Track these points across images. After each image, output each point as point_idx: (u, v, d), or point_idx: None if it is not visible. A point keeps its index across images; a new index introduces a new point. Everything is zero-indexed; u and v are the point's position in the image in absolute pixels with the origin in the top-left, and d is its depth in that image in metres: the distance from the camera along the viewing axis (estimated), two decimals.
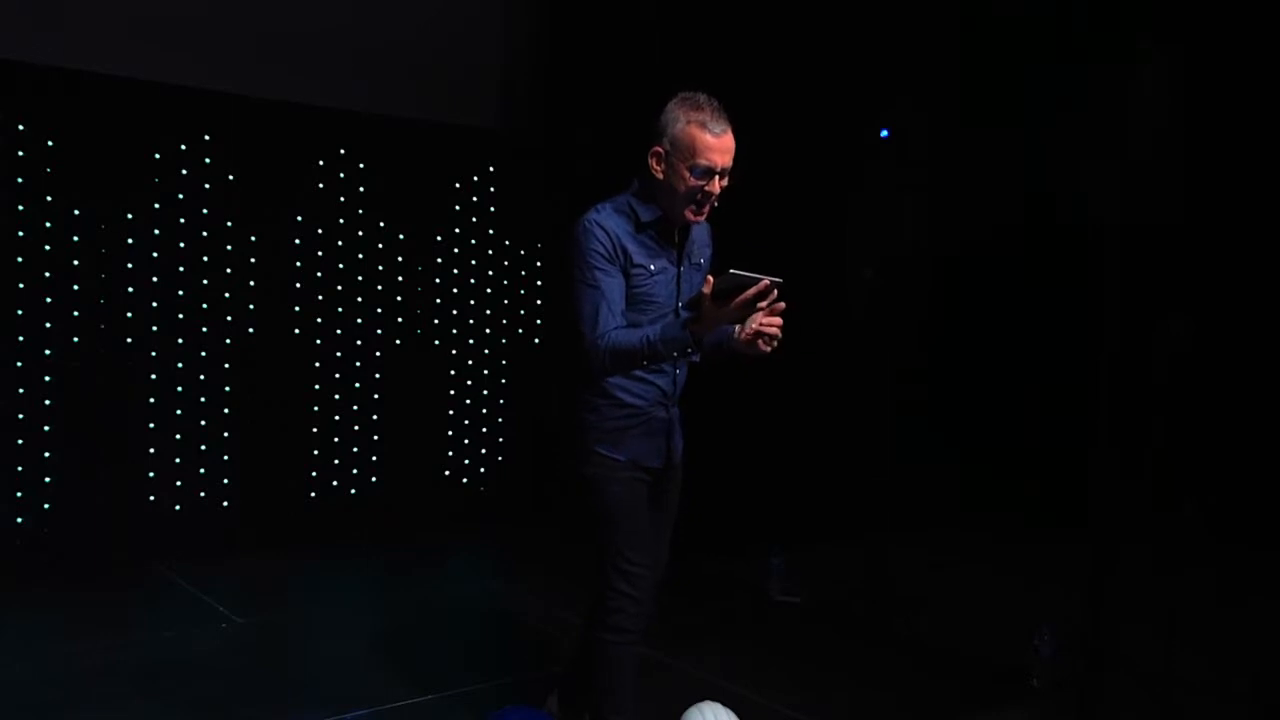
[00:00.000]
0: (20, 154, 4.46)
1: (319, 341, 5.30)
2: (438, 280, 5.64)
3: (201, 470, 4.98)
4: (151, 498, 4.85)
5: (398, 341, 5.53)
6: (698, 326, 2.38)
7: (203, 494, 4.99)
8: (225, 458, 5.04)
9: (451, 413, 5.77)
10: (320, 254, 5.26)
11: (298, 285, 5.21)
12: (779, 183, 5.33)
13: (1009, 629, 4.01)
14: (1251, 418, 5.12)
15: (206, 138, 4.89)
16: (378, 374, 5.47)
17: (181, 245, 4.86)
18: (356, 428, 5.43)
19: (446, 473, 5.76)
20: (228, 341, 5.01)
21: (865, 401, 5.69)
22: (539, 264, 5.98)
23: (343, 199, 5.30)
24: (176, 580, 4.56)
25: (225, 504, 5.04)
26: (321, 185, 5.25)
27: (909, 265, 5.94)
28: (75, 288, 4.60)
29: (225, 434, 5.03)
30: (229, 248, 4.99)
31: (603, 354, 2.47)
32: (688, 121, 2.53)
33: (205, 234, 4.92)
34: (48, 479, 4.58)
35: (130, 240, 4.73)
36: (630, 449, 2.66)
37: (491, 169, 5.78)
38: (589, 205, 2.63)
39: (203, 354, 4.95)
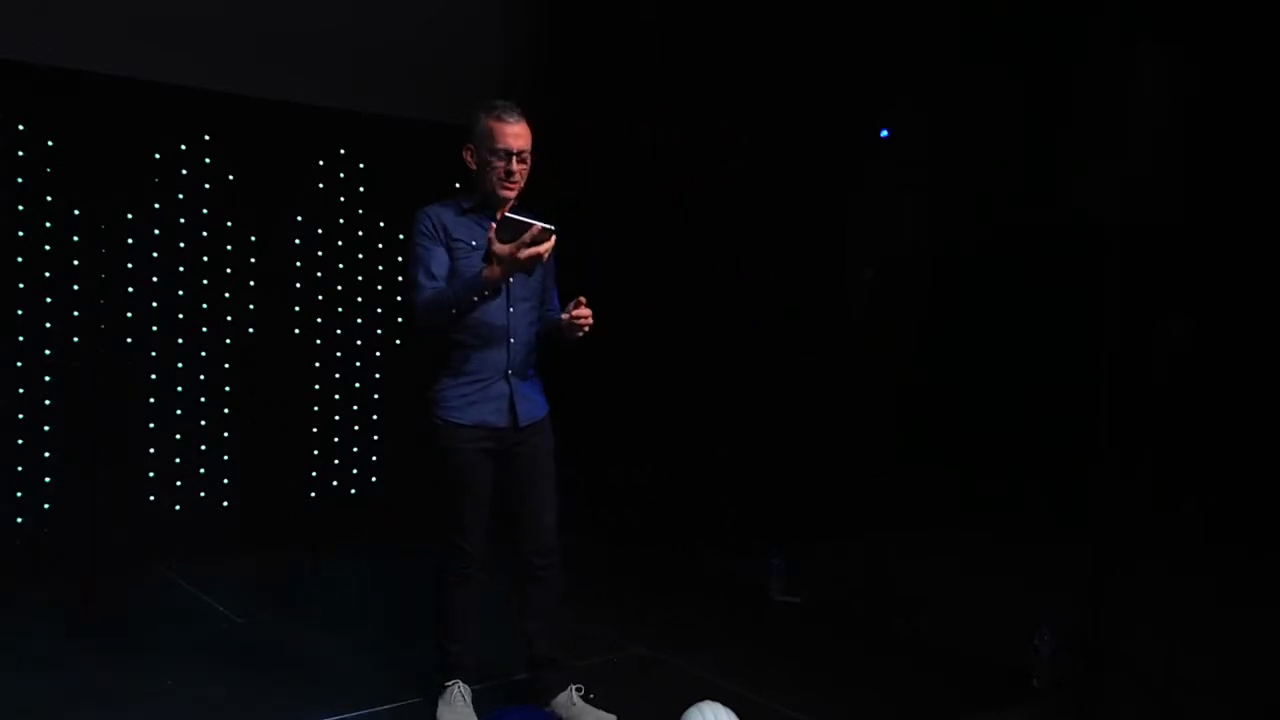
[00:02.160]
0: (20, 154, 4.47)
1: (319, 341, 5.30)
2: None
3: (201, 470, 4.98)
4: (151, 498, 4.85)
5: (398, 341, 5.53)
6: (490, 269, 2.79)
7: (203, 494, 4.99)
8: (225, 458, 5.04)
9: None
10: (320, 254, 5.27)
11: (298, 285, 5.21)
12: (779, 183, 5.33)
13: (1009, 629, 4.00)
14: (1251, 418, 5.12)
15: (206, 138, 4.90)
16: (378, 374, 5.47)
17: (181, 245, 4.87)
18: (356, 428, 5.43)
19: None
20: (228, 341, 5.01)
21: (865, 401, 5.68)
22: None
23: (343, 199, 5.30)
24: (176, 580, 4.56)
25: (225, 504, 5.04)
26: (321, 185, 5.25)
27: (909, 265, 5.93)
28: (75, 288, 4.61)
29: (225, 434, 5.03)
30: (229, 248, 4.99)
31: (419, 306, 2.91)
32: (488, 118, 2.98)
33: (205, 234, 4.93)
34: (48, 479, 4.59)
35: (130, 240, 4.74)
36: (473, 414, 3.01)
37: None
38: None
39: (203, 354, 4.95)
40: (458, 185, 5.65)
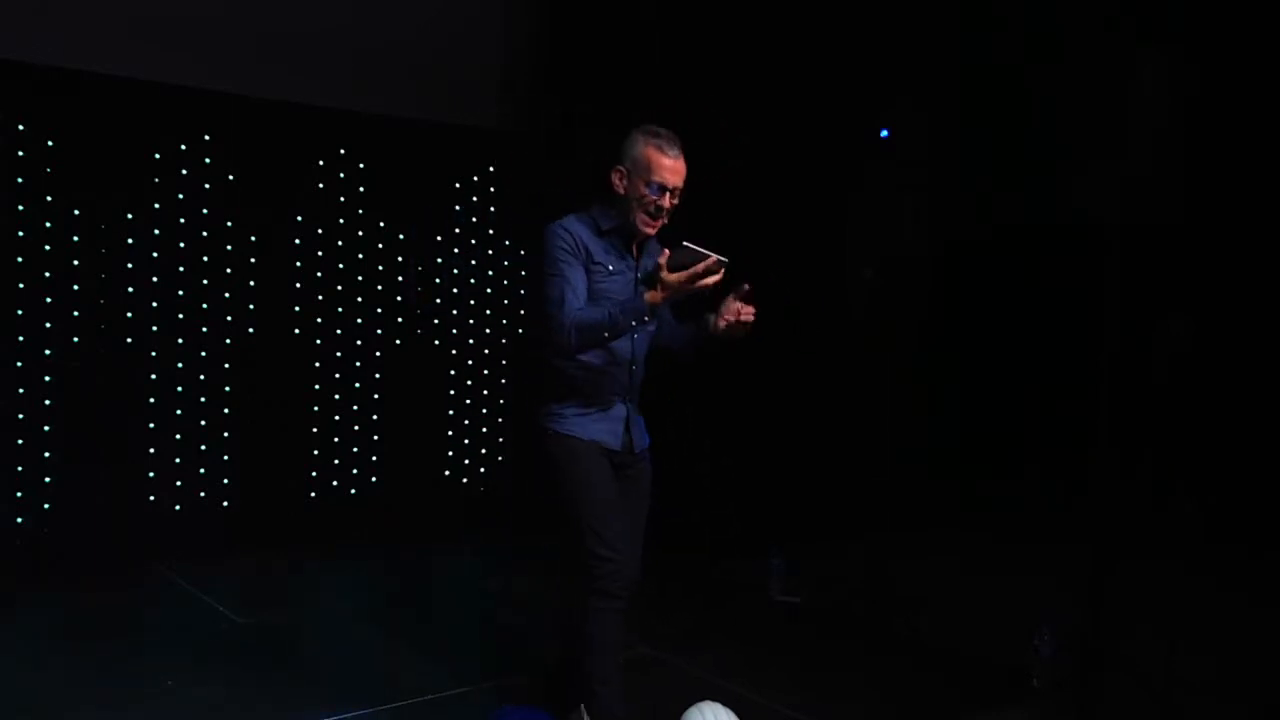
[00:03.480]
0: (20, 154, 4.47)
1: (319, 341, 5.30)
2: (438, 280, 5.64)
3: (201, 470, 4.98)
4: (151, 498, 4.85)
5: (398, 341, 5.53)
6: (653, 294, 2.70)
7: (203, 494, 4.99)
8: (225, 458, 5.04)
9: (451, 413, 5.77)
10: (320, 254, 5.26)
11: (298, 285, 5.21)
12: (779, 183, 5.33)
13: (1009, 629, 4.00)
14: (1251, 418, 5.12)
15: (206, 138, 4.90)
16: (378, 374, 5.47)
17: (181, 245, 4.87)
18: (356, 428, 5.43)
19: (446, 473, 5.76)
20: (228, 341, 5.01)
21: (865, 401, 5.68)
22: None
23: (343, 199, 5.30)
24: (176, 580, 4.56)
25: (225, 504, 5.04)
26: (321, 185, 5.25)
27: (909, 265, 5.94)
28: (75, 288, 4.61)
29: (225, 434, 5.03)
30: (229, 248, 4.99)
31: (569, 329, 2.74)
32: (647, 145, 2.84)
33: (205, 234, 4.93)
34: (48, 479, 4.58)
35: (130, 240, 4.74)
36: (590, 432, 2.89)
37: (491, 169, 5.78)
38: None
39: (203, 354, 4.95)
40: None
